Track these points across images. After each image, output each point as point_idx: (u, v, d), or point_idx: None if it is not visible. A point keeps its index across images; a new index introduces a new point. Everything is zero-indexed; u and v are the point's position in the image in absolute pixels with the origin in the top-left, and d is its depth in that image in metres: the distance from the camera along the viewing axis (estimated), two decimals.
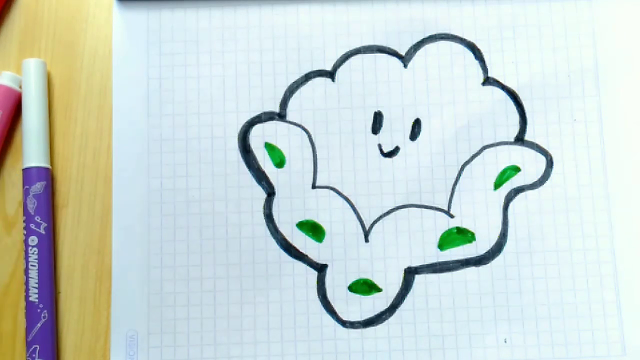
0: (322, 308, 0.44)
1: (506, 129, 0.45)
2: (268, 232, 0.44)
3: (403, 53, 0.46)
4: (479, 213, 0.45)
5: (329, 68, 0.46)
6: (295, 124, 0.45)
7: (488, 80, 0.46)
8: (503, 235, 0.44)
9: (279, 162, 0.45)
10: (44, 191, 0.44)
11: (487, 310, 0.44)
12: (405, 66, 0.46)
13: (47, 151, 0.45)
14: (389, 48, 0.46)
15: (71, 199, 0.45)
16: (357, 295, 0.44)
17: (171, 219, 0.44)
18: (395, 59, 0.46)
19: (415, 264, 0.44)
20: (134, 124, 0.45)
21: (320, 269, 0.44)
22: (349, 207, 0.45)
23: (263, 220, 0.45)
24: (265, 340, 0.43)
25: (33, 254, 0.43)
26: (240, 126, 0.45)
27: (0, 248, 0.45)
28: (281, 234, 0.44)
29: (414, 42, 0.46)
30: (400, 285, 0.44)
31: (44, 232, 0.43)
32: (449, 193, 0.45)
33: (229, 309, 0.44)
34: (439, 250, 0.44)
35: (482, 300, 0.44)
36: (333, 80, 0.46)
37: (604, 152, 0.45)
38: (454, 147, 0.45)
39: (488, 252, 0.44)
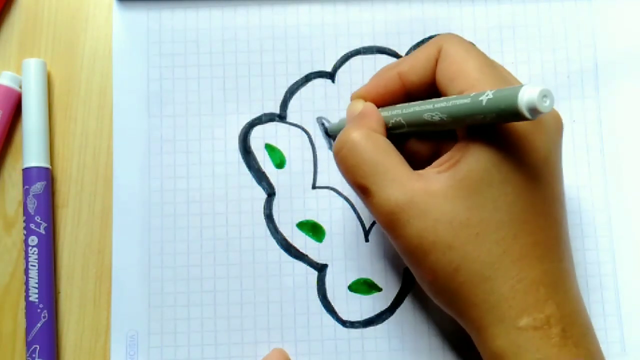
0: (322, 308, 0.44)
1: None
2: (268, 232, 0.44)
3: (403, 54, 0.46)
4: None
5: (329, 69, 0.46)
6: (295, 125, 0.45)
7: None
8: None
9: (279, 163, 0.45)
10: (44, 191, 0.44)
11: None
12: None
13: (47, 151, 0.45)
14: (389, 49, 0.46)
15: (71, 199, 0.45)
16: (357, 295, 0.44)
17: (172, 219, 0.44)
18: (395, 60, 0.46)
19: None
20: (134, 125, 0.45)
21: (320, 268, 0.44)
22: (349, 207, 0.45)
23: (263, 221, 0.45)
24: (266, 340, 0.43)
25: (33, 254, 0.43)
26: (240, 127, 0.45)
27: (0, 248, 0.45)
28: (281, 234, 0.45)
29: (414, 42, 0.46)
30: (400, 285, 0.44)
31: (44, 232, 0.43)
32: None
33: (229, 309, 0.44)
34: None
35: None
36: (333, 82, 0.46)
37: (604, 152, 0.45)
38: None
39: None
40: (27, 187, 0.44)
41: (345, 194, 0.45)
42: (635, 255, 0.44)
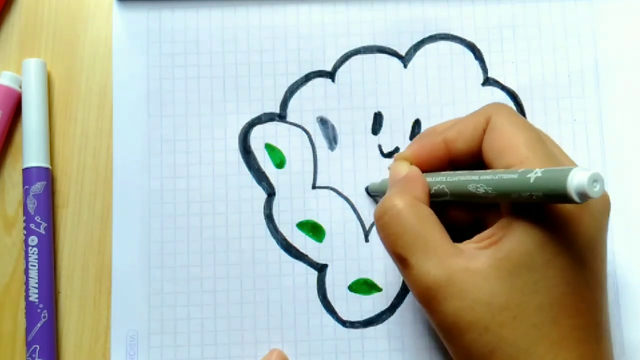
0: (322, 308, 0.44)
1: None
2: (268, 232, 0.44)
3: (403, 53, 0.46)
4: None
5: (329, 68, 0.46)
6: (295, 124, 0.45)
7: (488, 81, 0.46)
8: None
9: (279, 163, 0.45)
10: (44, 191, 0.44)
11: None
12: (405, 66, 0.46)
13: (47, 151, 0.45)
14: (389, 48, 0.46)
15: (71, 199, 0.45)
16: (357, 295, 0.44)
17: (171, 219, 0.44)
18: (395, 59, 0.46)
19: None
20: (134, 124, 0.45)
21: (321, 269, 0.44)
22: (349, 207, 0.45)
23: (263, 221, 0.45)
24: (266, 340, 0.43)
25: (33, 254, 0.43)
26: (240, 127, 0.45)
27: (0, 248, 0.45)
28: (281, 234, 0.45)
29: (414, 42, 0.46)
30: (400, 285, 0.44)
31: (44, 232, 0.43)
32: None
33: (229, 309, 0.44)
34: None
35: None
36: (333, 81, 0.46)
37: (604, 152, 0.45)
38: None
39: None
40: (27, 187, 0.44)
41: (345, 194, 0.45)
42: (635, 255, 0.44)
